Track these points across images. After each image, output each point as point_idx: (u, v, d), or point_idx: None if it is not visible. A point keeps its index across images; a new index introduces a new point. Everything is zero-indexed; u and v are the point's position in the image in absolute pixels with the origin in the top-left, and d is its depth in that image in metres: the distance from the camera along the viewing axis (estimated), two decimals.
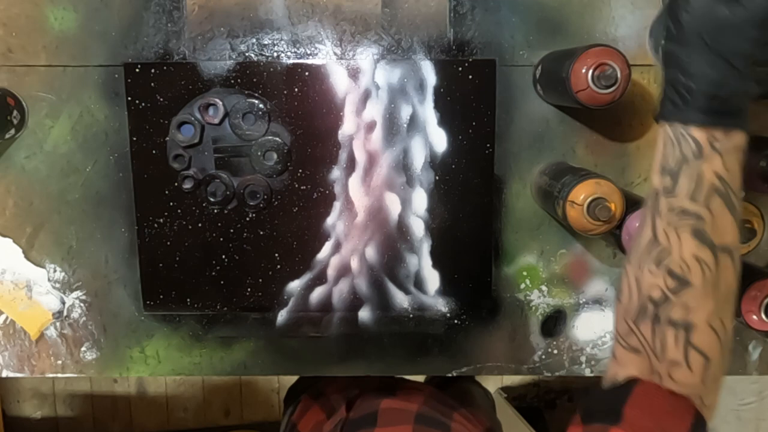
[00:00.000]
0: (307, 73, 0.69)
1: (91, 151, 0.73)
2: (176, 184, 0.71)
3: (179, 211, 0.72)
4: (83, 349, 0.78)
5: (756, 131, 0.71)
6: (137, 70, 0.69)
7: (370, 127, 0.70)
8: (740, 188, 0.44)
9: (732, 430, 1.37)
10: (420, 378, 1.30)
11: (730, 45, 0.42)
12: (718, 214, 0.43)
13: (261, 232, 0.72)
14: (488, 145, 0.71)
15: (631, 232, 0.60)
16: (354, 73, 0.69)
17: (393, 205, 0.72)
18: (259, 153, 0.70)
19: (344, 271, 0.73)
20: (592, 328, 0.77)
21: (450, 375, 0.77)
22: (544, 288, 0.76)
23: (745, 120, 0.44)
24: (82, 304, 0.77)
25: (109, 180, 0.73)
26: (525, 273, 0.76)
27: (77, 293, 0.76)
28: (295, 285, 0.74)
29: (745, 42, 0.41)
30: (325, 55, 0.71)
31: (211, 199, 0.71)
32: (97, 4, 0.70)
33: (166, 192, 0.71)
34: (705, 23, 0.42)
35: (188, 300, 0.74)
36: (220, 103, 0.69)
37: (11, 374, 0.78)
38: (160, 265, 0.73)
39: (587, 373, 0.78)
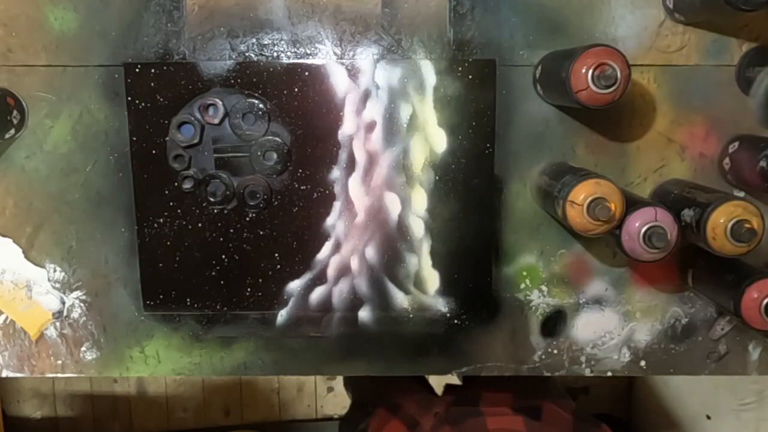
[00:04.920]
0: (307, 73, 0.69)
1: (91, 151, 0.73)
2: (176, 184, 0.71)
3: (179, 211, 0.72)
4: (83, 349, 0.78)
5: (756, 131, 0.72)
6: (137, 70, 0.69)
7: (370, 127, 0.70)
8: None
9: (732, 430, 1.37)
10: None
11: None
12: None
13: (261, 232, 0.72)
14: (488, 145, 0.71)
15: (631, 232, 0.60)
16: (354, 73, 0.69)
17: (393, 205, 0.72)
18: (259, 153, 0.70)
19: (344, 271, 0.73)
20: (592, 328, 0.77)
21: (450, 375, 0.77)
22: (544, 288, 0.76)
23: None
24: (82, 304, 0.77)
25: (109, 180, 0.73)
26: (525, 273, 0.76)
27: (77, 293, 0.76)
28: (295, 285, 0.74)
29: None
30: (325, 55, 0.71)
31: (211, 199, 0.71)
32: (97, 4, 0.70)
33: (166, 192, 0.72)
34: None
35: (188, 300, 0.74)
36: (220, 103, 0.69)
37: (11, 374, 0.78)
38: (160, 265, 0.73)
39: (587, 373, 0.78)
